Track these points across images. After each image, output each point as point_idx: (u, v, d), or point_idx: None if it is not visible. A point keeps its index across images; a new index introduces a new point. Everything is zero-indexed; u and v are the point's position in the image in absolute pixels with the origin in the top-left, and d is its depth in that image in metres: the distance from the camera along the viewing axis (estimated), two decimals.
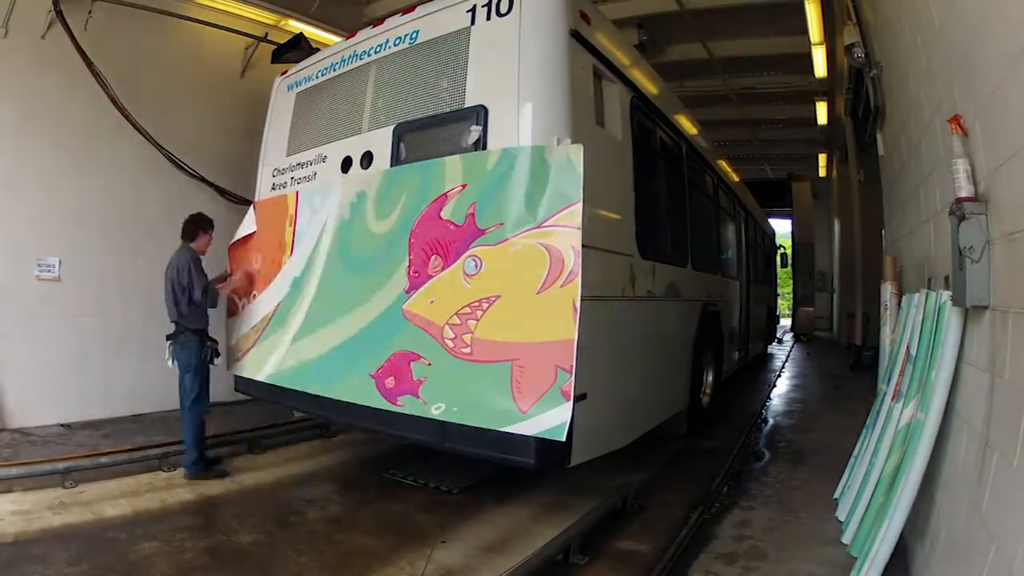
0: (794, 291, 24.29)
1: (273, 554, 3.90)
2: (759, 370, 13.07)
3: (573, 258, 3.68)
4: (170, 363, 5.44)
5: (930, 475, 3.15)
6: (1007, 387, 2.34)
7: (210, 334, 5.56)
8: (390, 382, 4.28)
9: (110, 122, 7.42)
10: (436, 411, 4.01)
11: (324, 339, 4.82)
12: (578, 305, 3.61)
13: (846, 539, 3.89)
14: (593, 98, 4.39)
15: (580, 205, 3.76)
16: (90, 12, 7.12)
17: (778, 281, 20.10)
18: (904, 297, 4.83)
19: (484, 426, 3.82)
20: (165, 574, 3.57)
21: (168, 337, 5.46)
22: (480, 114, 4.17)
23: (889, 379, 4.33)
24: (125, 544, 3.92)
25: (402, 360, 4.32)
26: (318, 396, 4.71)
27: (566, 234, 3.75)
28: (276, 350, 5.22)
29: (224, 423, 6.14)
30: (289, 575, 3.63)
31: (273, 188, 5.74)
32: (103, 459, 5.29)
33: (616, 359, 4.66)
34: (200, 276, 5.38)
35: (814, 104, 13.80)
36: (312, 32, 8.51)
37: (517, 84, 4.04)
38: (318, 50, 6.01)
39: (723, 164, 9.77)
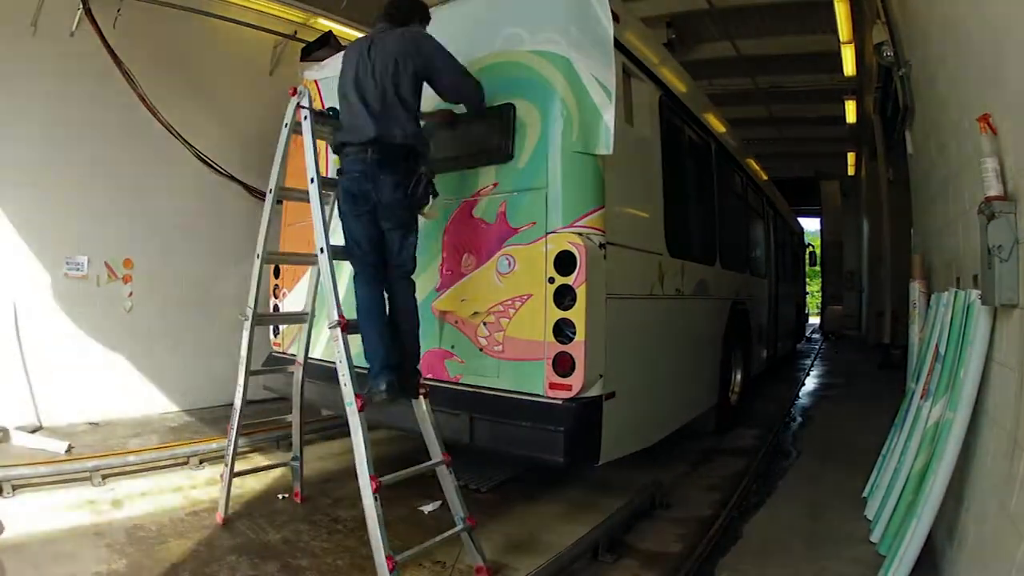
0: (823, 289, 24.14)
1: (302, 552, 3.93)
2: (788, 368, 13.00)
3: (593, 258, 3.80)
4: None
5: (959, 474, 3.14)
6: None
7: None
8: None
9: (138, 120, 7.45)
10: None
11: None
12: (595, 303, 3.79)
13: (874, 538, 3.90)
14: (622, 96, 4.39)
15: (605, 208, 3.86)
16: (119, 10, 7.15)
17: (807, 279, 19.92)
18: (933, 296, 4.81)
19: (524, 390, 3.97)
20: (194, 572, 3.60)
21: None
22: (508, 112, 4.20)
23: (918, 378, 4.31)
24: (154, 542, 3.96)
25: (436, 358, 4.40)
26: None
27: (591, 235, 3.85)
28: (317, 346, 5.29)
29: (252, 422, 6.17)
30: (318, 573, 3.67)
31: None
32: (131, 457, 5.32)
33: (645, 357, 4.68)
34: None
35: (843, 102, 13.68)
36: (341, 30, 8.60)
37: None
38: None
39: (751, 162, 9.70)
